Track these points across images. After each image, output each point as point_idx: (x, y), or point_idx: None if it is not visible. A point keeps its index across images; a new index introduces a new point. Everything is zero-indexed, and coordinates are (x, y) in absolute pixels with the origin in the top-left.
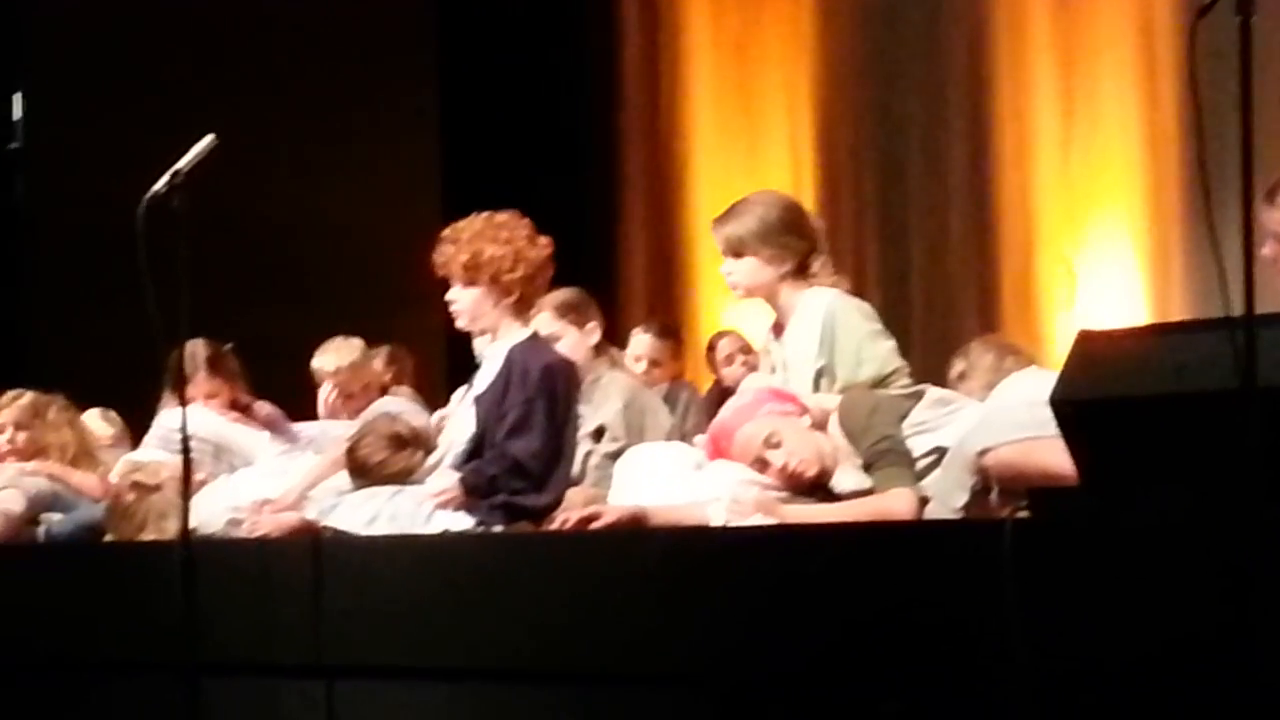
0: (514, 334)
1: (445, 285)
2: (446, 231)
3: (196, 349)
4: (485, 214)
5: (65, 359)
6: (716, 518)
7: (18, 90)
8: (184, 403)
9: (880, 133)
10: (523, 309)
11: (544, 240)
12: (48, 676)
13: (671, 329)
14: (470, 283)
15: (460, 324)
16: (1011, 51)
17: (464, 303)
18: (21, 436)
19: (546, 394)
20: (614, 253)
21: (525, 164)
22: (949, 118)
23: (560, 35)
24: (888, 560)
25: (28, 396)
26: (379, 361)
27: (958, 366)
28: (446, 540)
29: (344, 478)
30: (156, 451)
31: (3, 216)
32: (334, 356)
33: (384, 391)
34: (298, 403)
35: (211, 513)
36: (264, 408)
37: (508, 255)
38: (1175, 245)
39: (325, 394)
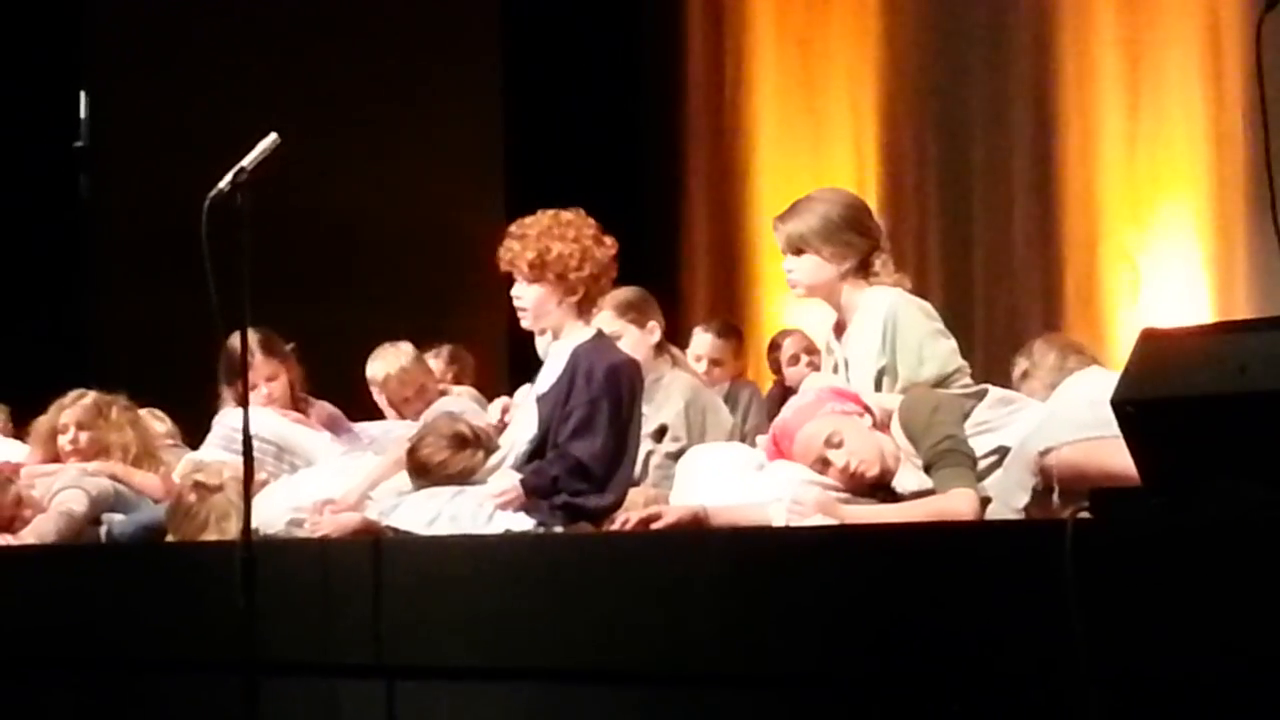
0: (578, 333)
1: (508, 283)
2: (513, 228)
3: (249, 337)
4: (552, 211)
5: (128, 356)
6: (777, 518)
7: (82, 89)
8: (245, 403)
9: (944, 130)
10: (586, 308)
11: (610, 240)
12: (108, 676)
13: (733, 328)
14: (536, 280)
15: (524, 321)
16: (1076, 47)
17: (528, 300)
18: (84, 436)
19: (611, 395)
20: (676, 251)
21: (588, 161)
22: (1013, 114)
23: (623, 31)
24: (949, 561)
25: (90, 396)
26: (440, 361)
27: (1020, 365)
28: (507, 541)
29: (405, 478)
30: (218, 451)
31: (67, 214)
32: (381, 364)
33: (444, 391)
34: (360, 401)
35: (273, 513)
36: (324, 409)
37: (574, 253)
38: (1240, 243)
39: (378, 399)
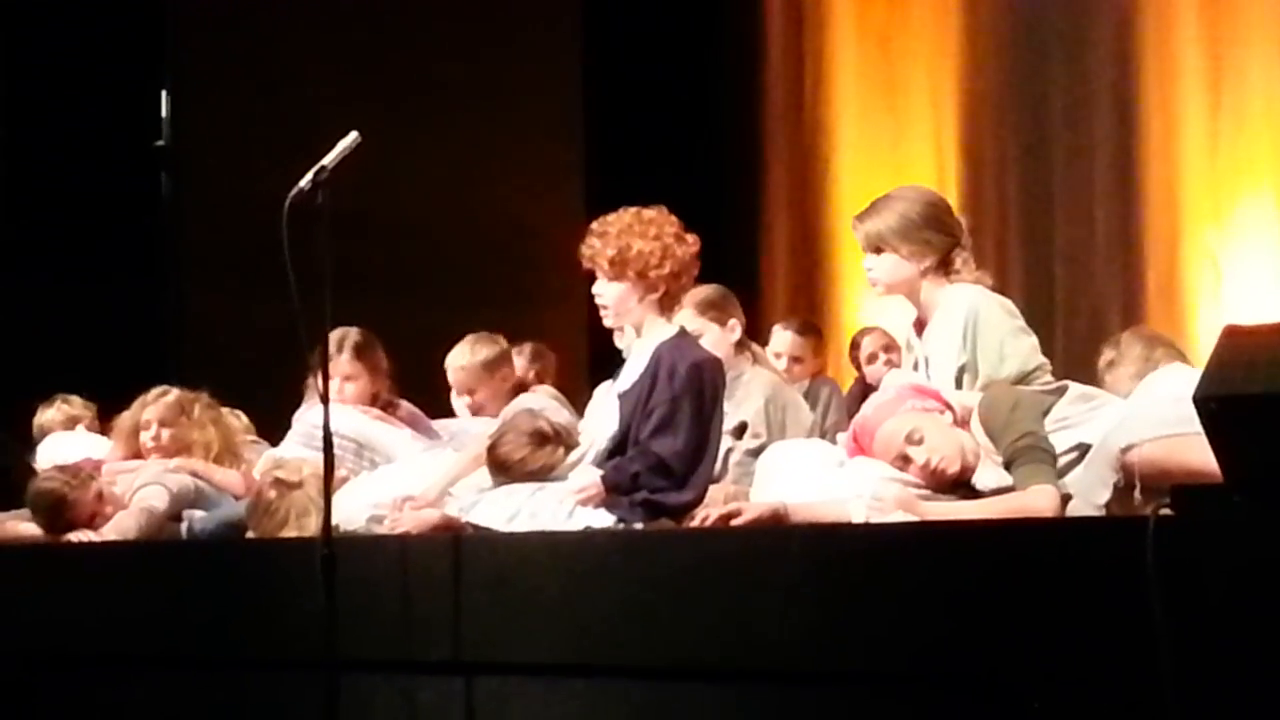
0: (660, 330)
1: (589, 280)
2: (594, 225)
3: (349, 333)
4: (634, 209)
5: (210, 354)
6: (857, 515)
7: (163, 88)
8: (325, 400)
9: (1025, 127)
10: (667, 305)
11: (691, 238)
12: (189, 672)
13: (813, 325)
14: (616, 277)
15: (606, 319)
16: (1158, 44)
17: (609, 297)
18: (166, 434)
19: (693, 393)
20: (756, 249)
21: (668, 160)
22: (1094, 112)
23: (703, 30)
24: (1029, 558)
25: (173, 394)
26: (523, 359)
27: (1107, 355)
28: (587, 537)
29: (485, 474)
30: (299, 448)
31: (149, 213)
32: (454, 355)
33: (522, 388)
34: (440, 399)
35: (353, 510)
36: (406, 408)
37: (655, 251)
38: None
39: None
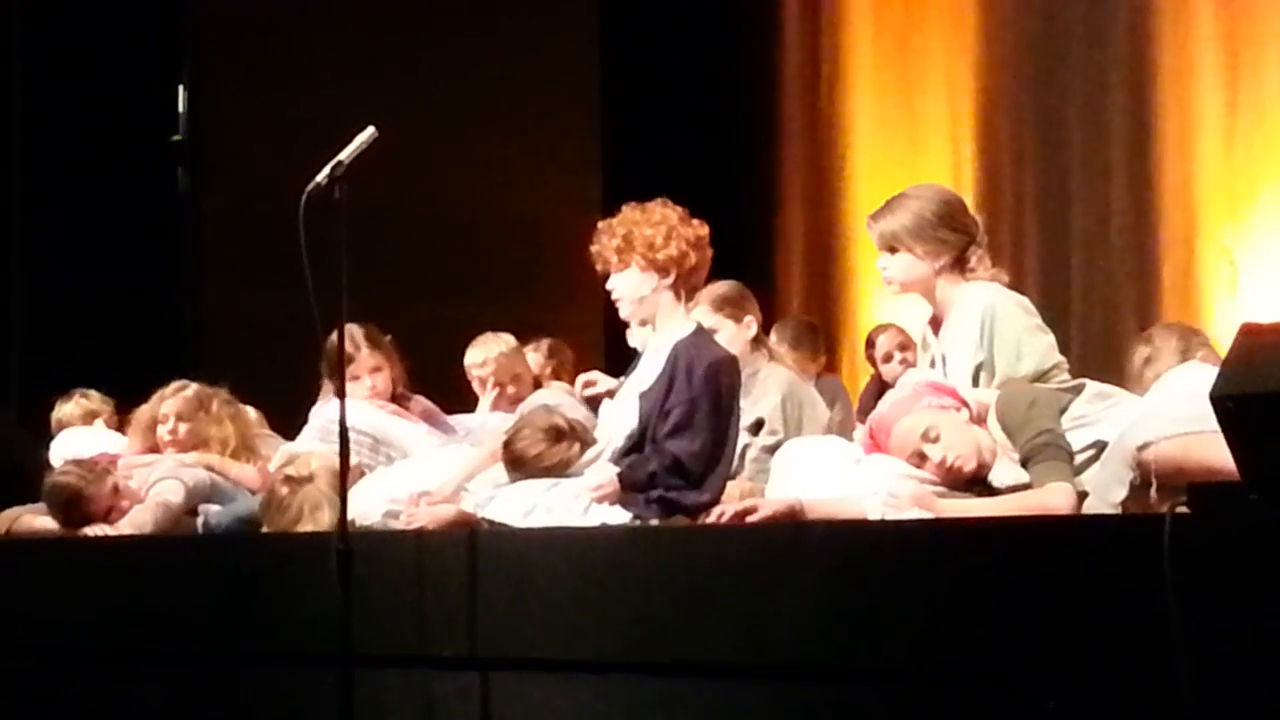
0: (677, 324)
1: (605, 278)
2: (600, 225)
3: (353, 331)
4: (634, 203)
5: (227, 348)
6: (873, 512)
7: (180, 83)
8: (342, 395)
9: (1041, 125)
10: (680, 290)
11: (698, 221)
12: (204, 667)
13: (806, 331)
14: (625, 264)
15: (623, 313)
16: (1174, 41)
17: (622, 288)
18: (183, 428)
19: (710, 393)
20: (772, 246)
21: (685, 158)
22: (1111, 109)
23: (721, 29)
24: (1045, 555)
25: (192, 389)
26: (539, 355)
27: (1142, 352)
28: (603, 533)
29: (501, 470)
30: (314, 443)
31: (165, 208)
32: (480, 350)
33: (539, 385)
34: (457, 394)
35: (369, 504)
36: (421, 403)
37: (658, 233)
38: None
39: (476, 388)
